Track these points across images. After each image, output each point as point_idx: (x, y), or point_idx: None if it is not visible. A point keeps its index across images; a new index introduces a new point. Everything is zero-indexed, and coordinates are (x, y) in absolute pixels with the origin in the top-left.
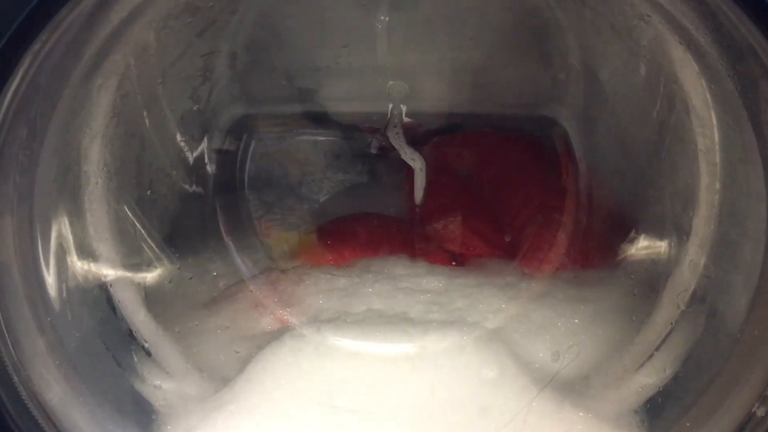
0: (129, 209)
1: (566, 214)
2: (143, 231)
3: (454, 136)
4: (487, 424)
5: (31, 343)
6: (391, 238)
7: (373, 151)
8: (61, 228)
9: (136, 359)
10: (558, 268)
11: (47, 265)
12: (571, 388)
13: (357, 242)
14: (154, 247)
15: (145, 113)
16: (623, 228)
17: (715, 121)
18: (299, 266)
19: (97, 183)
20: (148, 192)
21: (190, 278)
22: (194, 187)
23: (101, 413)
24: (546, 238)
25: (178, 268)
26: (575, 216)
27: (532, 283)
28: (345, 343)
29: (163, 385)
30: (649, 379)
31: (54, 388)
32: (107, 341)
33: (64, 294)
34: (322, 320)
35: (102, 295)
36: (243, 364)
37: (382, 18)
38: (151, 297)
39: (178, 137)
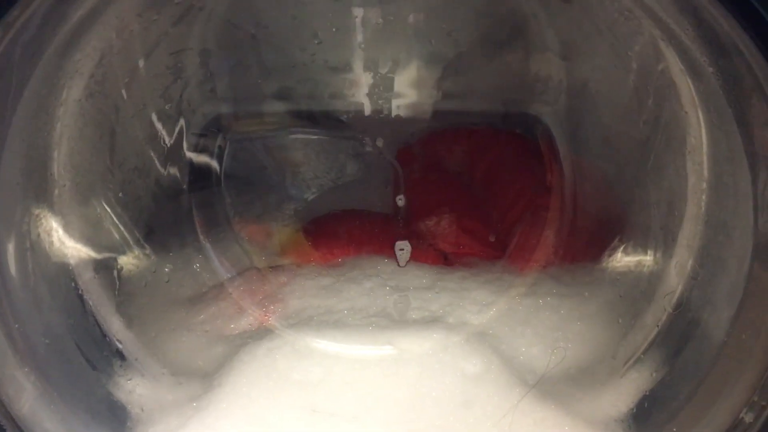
0: (100, 211)
1: (552, 212)
2: (116, 233)
3: (444, 132)
4: (471, 424)
5: None
6: (377, 235)
7: (369, 148)
8: (27, 230)
9: (110, 363)
10: (545, 266)
11: (12, 268)
12: (557, 391)
13: (341, 240)
14: (127, 249)
15: (113, 113)
16: (609, 228)
17: (701, 120)
18: (281, 266)
19: (64, 185)
20: (120, 194)
21: (167, 281)
22: (169, 187)
23: (74, 420)
24: (534, 236)
25: (154, 271)
26: (561, 214)
27: (518, 283)
28: (325, 344)
29: (138, 389)
30: (635, 382)
31: (23, 396)
32: (80, 345)
33: (32, 298)
34: (302, 321)
35: (73, 297)
36: (221, 366)
37: (357, 13)
38: (125, 299)
39: (150, 138)
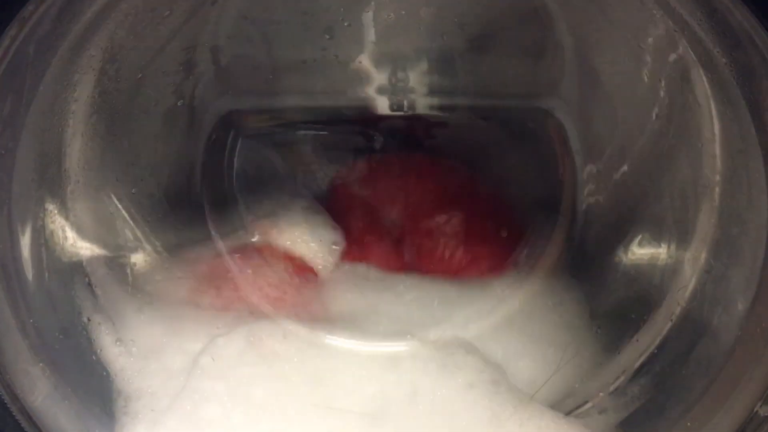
0: (113, 208)
1: (562, 217)
2: (128, 230)
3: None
4: (476, 424)
5: (13, 346)
6: (384, 237)
7: (377, 146)
8: (42, 226)
9: (124, 358)
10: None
11: (27, 264)
12: (569, 389)
13: (349, 240)
14: (140, 246)
15: (125, 110)
16: (623, 223)
17: (714, 111)
18: (294, 263)
19: (78, 182)
20: (133, 190)
21: (179, 277)
22: (181, 184)
23: (88, 415)
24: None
25: (167, 268)
26: (572, 219)
27: (529, 282)
28: (333, 340)
29: (152, 387)
30: (649, 377)
31: (37, 390)
32: (94, 340)
33: (46, 294)
34: (313, 317)
35: (86, 293)
36: (231, 361)
37: (368, 7)
38: (139, 295)
39: (162, 135)
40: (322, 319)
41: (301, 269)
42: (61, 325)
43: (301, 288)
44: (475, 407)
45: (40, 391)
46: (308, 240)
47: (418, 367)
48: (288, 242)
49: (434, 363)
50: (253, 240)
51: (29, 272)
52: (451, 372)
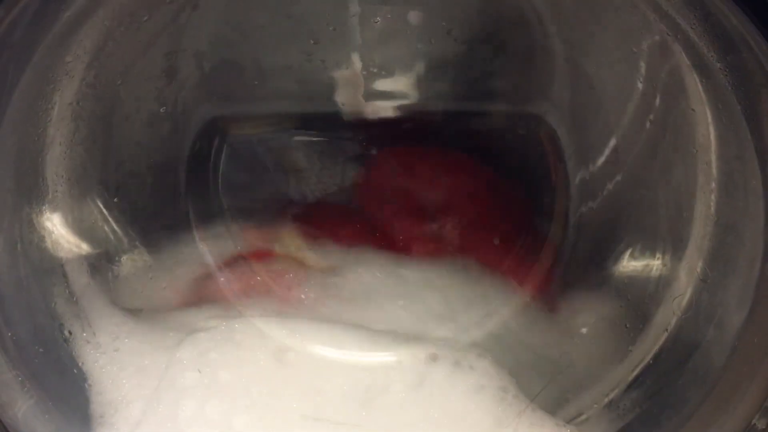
0: (95, 216)
1: (555, 222)
2: (112, 238)
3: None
4: None
5: None
6: (375, 237)
7: (371, 150)
8: (19, 236)
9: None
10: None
11: (4, 275)
12: (562, 400)
13: (340, 242)
14: (123, 254)
15: (106, 117)
16: (616, 233)
17: (709, 117)
18: (281, 270)
19: (57, 190)
20: (116, 198)
21: (164, 287)
22: (165, 191)
23: (67, 427)
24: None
25: (150, 277)
26: (565, 224)
27: (520, 293)
28: (320, 348)
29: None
30: (645, 388)
31: (16, 404)
32: (75, 352)
33: (25, 305)
34: (300, 326)
35: (67, 304)
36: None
37: (354, 12)
38: (121, 306)
39: (145, 141)
40: (306, 326)
41: (290, 276)
42: (41, 337)
43: (290, 295)
44: (480, 411)
45: (19, 405)
46: (298, 246)
47: (404, 377)
48: (276, 249)
49: (423, 372)
50: (240, 248)
51: (7, 282)
52: (464, 373)
